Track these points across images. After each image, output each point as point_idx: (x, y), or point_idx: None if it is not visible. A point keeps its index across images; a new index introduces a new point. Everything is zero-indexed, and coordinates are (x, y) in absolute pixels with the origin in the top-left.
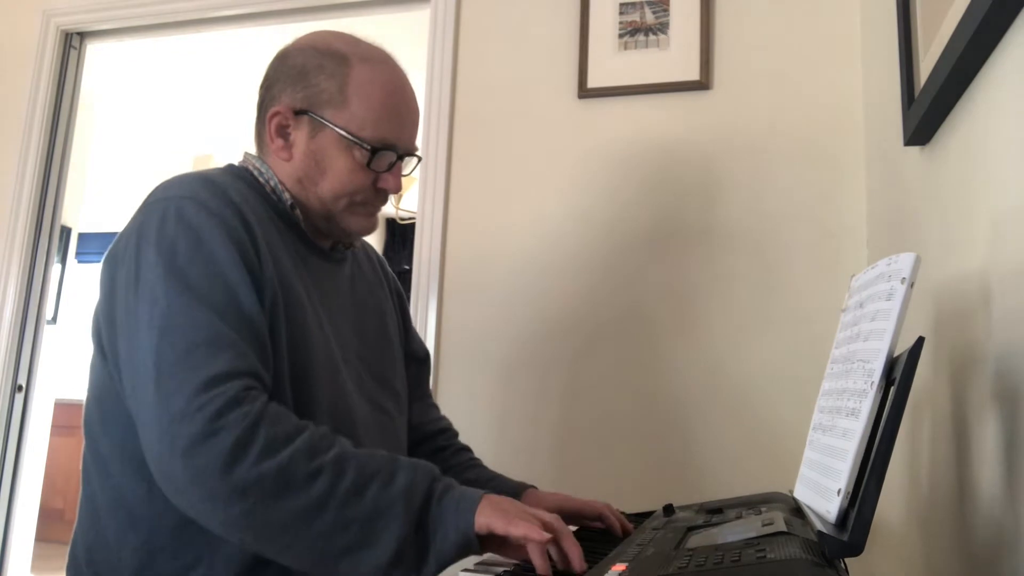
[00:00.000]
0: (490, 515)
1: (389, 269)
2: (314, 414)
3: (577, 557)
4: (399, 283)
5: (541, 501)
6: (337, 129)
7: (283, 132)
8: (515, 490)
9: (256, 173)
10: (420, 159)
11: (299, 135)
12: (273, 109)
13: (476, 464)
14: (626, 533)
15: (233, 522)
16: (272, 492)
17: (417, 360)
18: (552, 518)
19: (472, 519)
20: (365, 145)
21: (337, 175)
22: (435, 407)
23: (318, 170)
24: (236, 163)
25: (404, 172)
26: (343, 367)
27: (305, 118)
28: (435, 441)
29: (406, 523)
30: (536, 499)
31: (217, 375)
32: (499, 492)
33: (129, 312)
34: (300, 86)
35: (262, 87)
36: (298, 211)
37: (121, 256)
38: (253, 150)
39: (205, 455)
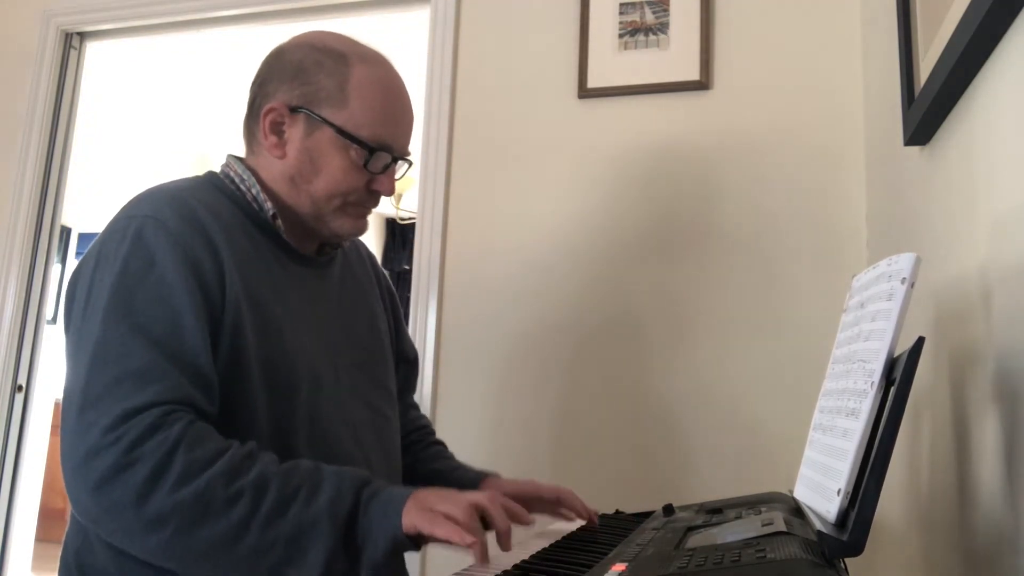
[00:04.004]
0: (415, 516)
1: (380, 267)
2: (295, 428)
3: (503, 528)
4: (391, 282)
5: (499, 487)
6: (335, 127)
7: (277, 129)
8: (476, 478)
9: (238, 181)
10: (411, 164)
11: (294, 132)
12: (268, 106)
13: (444, 456)
14: (590, 520)
15: (152, 552)
16: (190, 520)
17: (407, 361)
18: (480, 496)
19: (398, 522)
20: (363, 145)
21: (332, 174)
22: (415, 407)
23: (312, 168)
24: (219, 168)
25: (396, 175)
26: (334, 374)
27: (301, 115)
28: (409, 438)
29: (332, 537)
30: (494, 485)
31: (139, 406)
32: (461, 480)
33: (77, 332)
34: (297, 83)
35: (255, 84)
36: (280, 222)
37: (82, 272)
38: (242, 149)
39: (119, 489)
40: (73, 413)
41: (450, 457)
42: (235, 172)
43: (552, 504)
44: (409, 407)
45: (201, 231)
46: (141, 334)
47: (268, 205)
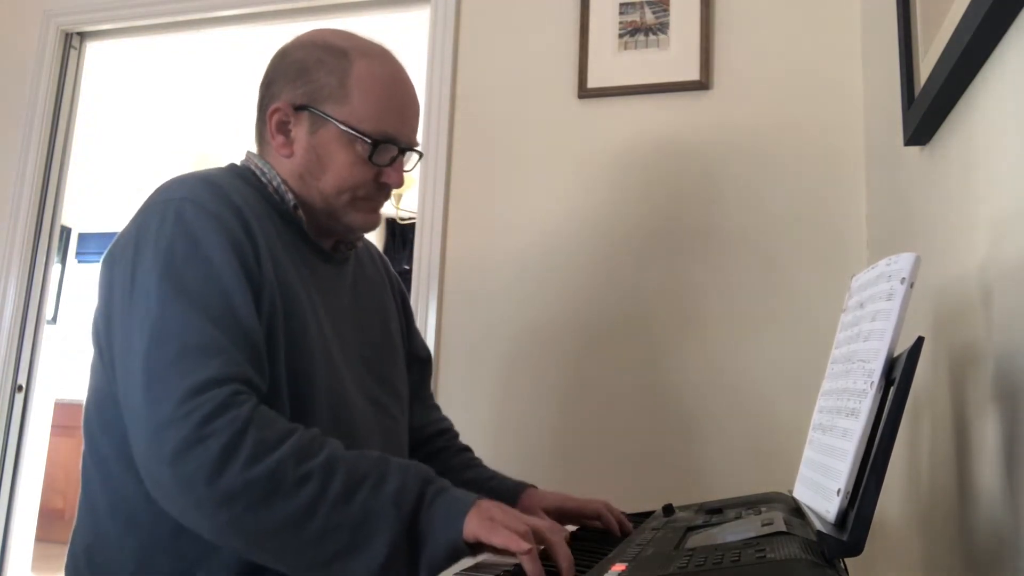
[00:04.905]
0: (477, 525)
1: (392, 269)
2: (313, 416)
3: (566, 566)
4: (402, 283)
5: (540, 500)
6: (338, 123)
7: (284, 128)
8: (514, 489)
9: (259, 173)
10: (421, 155)
11: (300, 131)
12: (273, 106)
13: (475, 464)
14: (625, 533)
15: (222, 529)
16: (260, 498)
17: (419, 360)
18: (544, 524)
19: (460, 528)
20: (366, 139)
21: (339, 170)
22: (436, 408)
23: (320, 165)
24: (239, 162)
25: (406, 167)
26: (345, 369)
27: (305, 114)
28: (435, 443)
29: (397, 527)
30: (535, 499)
31: (206, 381)
32: (497, 492)
33: (124, 314)
34: (300, 82)
35: (262, 85)
36: (301, 212)
37: (119, 257)
38: (255, 149)
39: (193, 462)
40: (138, 391)
41: (481, 465)
42: (256, 165)
43: (591, 520)
44: (430, 408)
45: (238, 214)
46: (198, 311)
47: (289, 196)
